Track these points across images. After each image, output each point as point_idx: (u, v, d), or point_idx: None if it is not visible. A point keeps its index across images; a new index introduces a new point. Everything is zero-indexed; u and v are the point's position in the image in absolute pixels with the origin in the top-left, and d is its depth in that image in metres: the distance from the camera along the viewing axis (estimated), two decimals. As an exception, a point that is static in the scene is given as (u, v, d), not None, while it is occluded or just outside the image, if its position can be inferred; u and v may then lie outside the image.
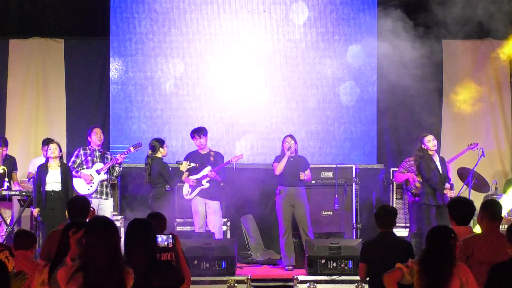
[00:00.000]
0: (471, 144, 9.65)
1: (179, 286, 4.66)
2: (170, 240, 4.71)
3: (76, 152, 9.59)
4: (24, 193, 9.88)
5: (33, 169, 10.29)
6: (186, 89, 11.07)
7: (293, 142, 9.50)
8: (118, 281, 4.00)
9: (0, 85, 11.38)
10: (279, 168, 9.40)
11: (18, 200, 10.33)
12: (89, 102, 11.54)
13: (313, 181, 9.83)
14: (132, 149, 9.68)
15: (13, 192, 9.95)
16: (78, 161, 9.48)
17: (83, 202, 6.21)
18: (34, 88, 11.45)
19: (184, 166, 9.50)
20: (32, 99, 11.44)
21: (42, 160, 10.16)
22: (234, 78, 11.06)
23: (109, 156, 9.65)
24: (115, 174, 9.67)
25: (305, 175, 9.44)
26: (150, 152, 9.61)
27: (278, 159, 9.54)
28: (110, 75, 11.08)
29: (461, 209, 5.72)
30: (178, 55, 11.07)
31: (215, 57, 11.06)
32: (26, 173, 10.75)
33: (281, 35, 11.07)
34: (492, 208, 5.49)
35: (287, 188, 9.38)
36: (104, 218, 4.24)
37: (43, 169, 9.11)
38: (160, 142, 9.64)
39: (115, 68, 11.07)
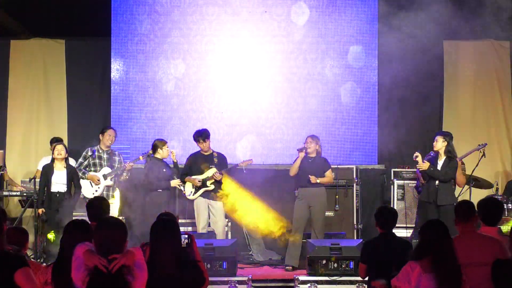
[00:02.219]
0: (481, 144, 9.70)
1: (202, 286, 4.68)
2: (186, 241, 4.72)
3: (83, 153, 9.56)
4: (25, 194, 9.88)
5: (40, 167, 10.28)
6: (187, 89, 11.08)
7: (313, 143, 9.45)
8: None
9: (1, 86, 11.40)
10: (293, 169, 9.38)
11: (19, 200, 10.34)
12: (90, 103, 11.56)
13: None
14: (141, 157, 9.67)
15: (14, 193, 9.96)
16: (85, 163, 9.47)
17: (101, 202, 6.27)
18: (36, 88, 11.47)
19: (175, 183, 9.50)
20: (34, 100, 11.47)
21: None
22: (235, 78, 11.06)
23: (116, 158, 9.58)
24: (121, 178, 9.66)
25: (316, 178, 9.35)
26: (150, 151, 9.61)
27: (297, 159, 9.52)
28: (111, 76, 11.09)
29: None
30: (179, 56, 11.07)
31: (216, 58, 11.06)
32: (27, 173, 10.76)
33: (282, 36, 11.07)
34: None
35: (304, 189, 9.36)
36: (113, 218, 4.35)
37: (48, 170, 9.11)
38: (161, 143, 9.61)
39: (116, 68, 11.08)
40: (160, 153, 9.55)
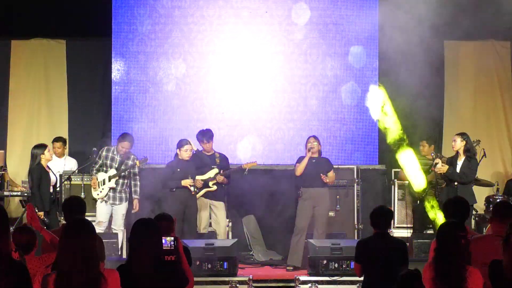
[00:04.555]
0: (474, 141, 9.73)
1: (185, 287, 4.68)
2: (172, 243, 4.73)
3: (100, 153, 9.50)
4: (25, 194, 9.86)
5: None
6: (188, 90, 11.08)
7: (316, 143, 9.46)
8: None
9: (2, 86, 11.40)
10: (300, 169, 9.36)
11: (20, 201, 10.34)
12: (91, 103, 11.56)
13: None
14: (137, 163, 9.59)
15: (14, 193, 9.95)
16: (100, 162, 9.44)
17: (78, 201, 6.22)
18: (36, 89, 11.47)
19: (185, 182, 9.47)
20: (34, 100, 11.47)
21: (53, 159, 10.18)
22: (235, 78, 11.06)
23: (129, 162, 9.49)
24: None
25: (326, 177, 9.38)
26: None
27: (300, 159, 9.51)
28: (112, 76, 11.08)
29: (453, 207, 5.71)
30: (180, 56, 11.07)
31: (217, 57, 11.06)
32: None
33: (283, 36, 11.06)
34: (502, 209, 5.50)
35: (309, 190, 9.36)
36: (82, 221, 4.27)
37: (44, 172, 9.07)
38: (181, 142, 9.56)
39: (117, 68, 11.07)
40: (179, 153, 9.51)
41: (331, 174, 9.49)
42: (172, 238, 4.75)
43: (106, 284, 4.01)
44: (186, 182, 9.42)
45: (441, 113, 11.47)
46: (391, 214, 6.34)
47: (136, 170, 9.55)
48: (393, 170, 10.56)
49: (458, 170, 9.00)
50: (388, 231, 6.33)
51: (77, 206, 6.00)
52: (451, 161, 9.08)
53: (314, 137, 9.59)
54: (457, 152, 9.13)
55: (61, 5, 11.20)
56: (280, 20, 11.05)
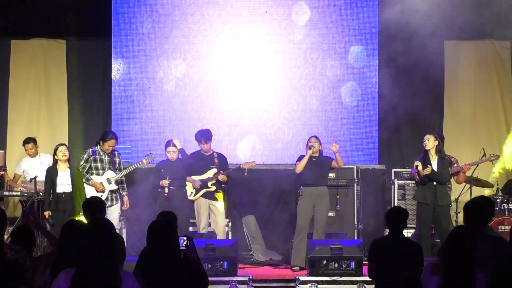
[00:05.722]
0: (492, 155, 9.68)
1: (204, 287, 4.69)
2: (185, 242, 4.73)
3: (85, 156, 9.45)
4: (25, 194, 9.85)
5: (19, 170, 10.30)
6: (188, 89, 11.08)
7: (317, 143, 9.44)
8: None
9: (2, 86, 11.39)
10: (299, 167, 9.35)
11: (20, 201, 10.33)
12: (91, 103, 11.54)
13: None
14: (144, 161, 9.63)
15: (14, 193, 9.94)
16: (88, 166, 9.42)
17: (99, 202, 6.26)
18: (36, 88, 11.46)
19: (162, 182, 9.44)
20: (34, 100, 11.46)
21: (29, 160, 10.16)
22: (235, 79, 11.06)
23: (117, 160, 9.51)
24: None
25: (337, 144, 9.28)
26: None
27: (301, 158, 9.51)
28: (112, 76, 11.08)
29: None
30: (180, 56, 11.08)
31: (217, 57, 11.06)
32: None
33: (283, 36, 11.07)
34: (482, 208, 5.48)
35: (309, 188, 9.35)
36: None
37: (52, 172, 9.07)
38: (166, 143, 9.62)
39: (117, 68, 11.07)
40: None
41: (337, 160, 9.42)
42: (185, 238, 4.75)
43: (121, 284, 4.02)
44: (163, 183, 9.41)
45: (441, 112, 11.46)
46: (406, 215, 6.30)
47: (122, 165, 9.57)
48: (393, 170, 10.56)
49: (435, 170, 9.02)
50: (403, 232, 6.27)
51: (97, 205, 6.14)
52: (424, 161, 9.05)
53: (315, 137, 9.59)
54: (428, 152, 9.10)
55: (61, 5, 11.19)
56: (280, 20, 11.05)
